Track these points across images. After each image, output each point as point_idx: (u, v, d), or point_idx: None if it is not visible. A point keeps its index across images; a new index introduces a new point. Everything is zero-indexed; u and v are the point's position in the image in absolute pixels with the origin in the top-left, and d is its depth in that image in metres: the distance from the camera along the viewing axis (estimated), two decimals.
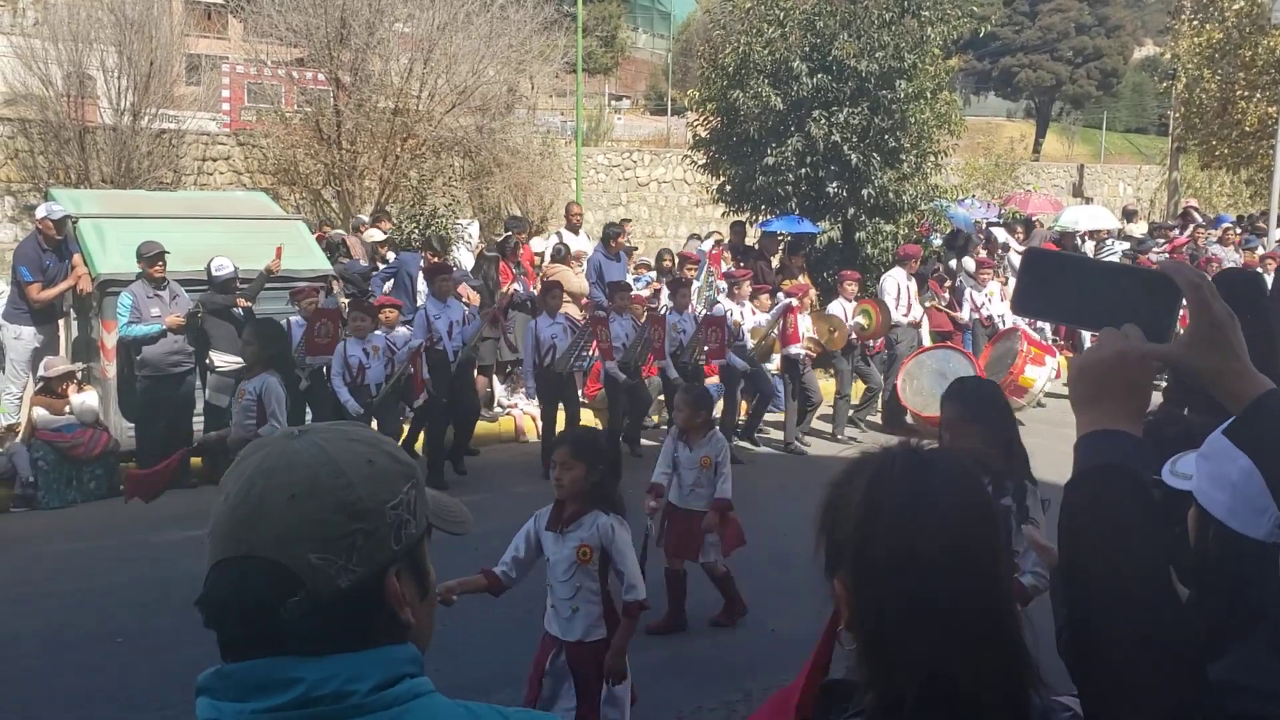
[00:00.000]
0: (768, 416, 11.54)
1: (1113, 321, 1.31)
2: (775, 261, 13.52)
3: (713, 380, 11.44)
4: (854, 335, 11.07)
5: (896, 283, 11.56)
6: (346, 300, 10.61)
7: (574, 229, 13.69)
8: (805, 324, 10.98)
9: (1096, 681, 1.20)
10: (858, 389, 11.53)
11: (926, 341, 11.64)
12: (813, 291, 12.81)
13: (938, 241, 14.99)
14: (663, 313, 10.49)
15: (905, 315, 11.49)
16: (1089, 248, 16.40)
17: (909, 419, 11.36)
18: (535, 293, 11.90)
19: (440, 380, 9.42)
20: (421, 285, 11.51)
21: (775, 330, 10.59)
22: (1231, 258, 16.31)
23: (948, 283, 12.88)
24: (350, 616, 1.16)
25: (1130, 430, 1.27)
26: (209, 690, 1.16)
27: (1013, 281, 13.81)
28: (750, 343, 10.52)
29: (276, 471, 1.17)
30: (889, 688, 1.22)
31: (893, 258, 14.37)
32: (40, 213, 9.80)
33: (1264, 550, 1.34)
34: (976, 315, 12.47)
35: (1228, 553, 1.39)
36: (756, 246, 13.83)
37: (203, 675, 1.17)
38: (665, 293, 11.53)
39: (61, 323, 10.30)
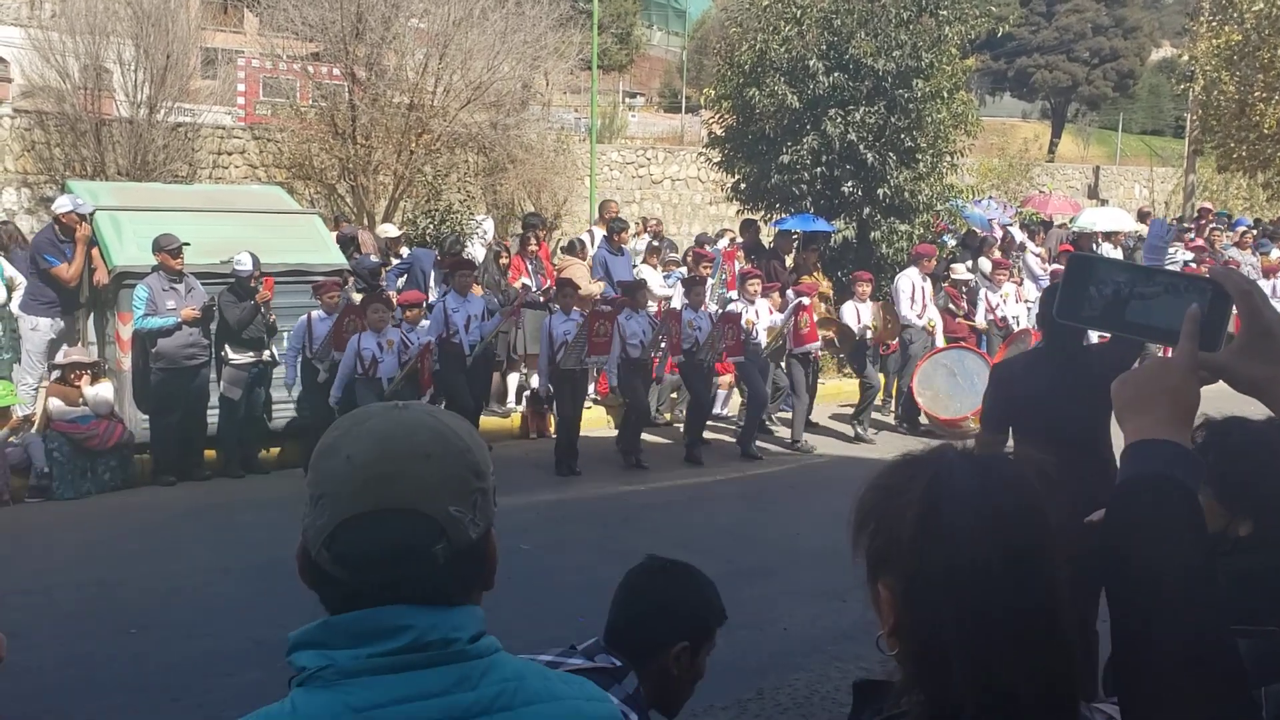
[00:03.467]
0: (782, 414, 11.52)
1: (1159, 326, 1.28)
2: (789, 260, 13.49)
3: (727, 378, 11.43)
4: (867, 336, 11.04)
5: (911, 282, 11.51)
6: (358, 295, 10.61)
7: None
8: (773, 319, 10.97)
9: (1137, 694, 1.18)
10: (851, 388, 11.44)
11: (941, 343, 11.59)
12: (825, 285, 12.77)
13: (952, 242, 14.94)
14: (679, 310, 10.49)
15: (920, 316, 11.44)
16: (1106, 249, 16.33)
17: (923, 420, 11.32)
18: (550, 288, 11.92)
19: (454, 373, 9.43)
20: (434, 280, 11.53)
21: (788, 329, 10.58)
22: (1249, 261, 16.26)
23: (966, 286, 12.80)
24: (468, 569, 1.28)
25: (1176, 439, 1.24)
26: (314, 643, 1.23)
27: (1028, 283, 13.79)
28: (764, 341, 10.51)
29: (401, 436, 1.27)
30: (945, 697, 1.20)
31: (907, 257, 14.32)
32: (64, 206, 9.77)
33: None
34: (991, 317, 12.38)
35: None
36: (770, 245, 13.81)
37: (299, 632, 1.24)
38: (679, 291, 11.52)
39: (78, 314, 10.33)
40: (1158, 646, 1.17)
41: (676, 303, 11.33)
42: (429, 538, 1.23)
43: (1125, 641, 1.20)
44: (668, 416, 11.54)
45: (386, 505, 1.23)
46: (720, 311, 10.46)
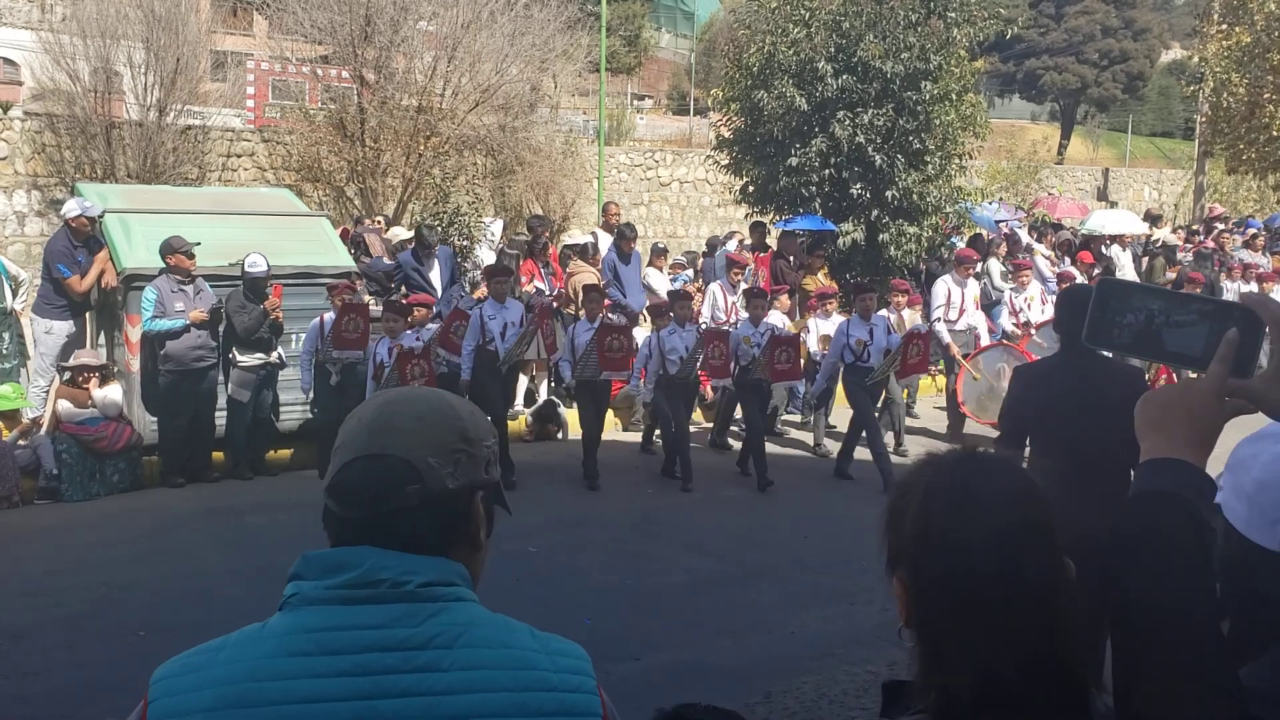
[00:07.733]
0: (786, 417, 11.47)
1: (1192, 354, 1.27)
2: (794, 261, 13.47)
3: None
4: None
5: (946, 288, 11.33)
6: (370, 298, 10.63)
7: (610, 229, 13.64)
8: (828, 328, 10.62)
9: (1137, 709, 1.19)
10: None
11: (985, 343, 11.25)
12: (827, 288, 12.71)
13: (959, 245, 14.90)
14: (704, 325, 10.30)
15: (956, 320, 11.19)
16: (1115, 251, 16.30)
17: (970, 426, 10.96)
18: (561, 292, 11.92)
19: (487, 378, 9.34)
20: (435, 281, 11.53)
21: (898, 358, 9.65)
22: (1260, 263, 16.20)
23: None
24: (446, 519, 1.45)
25: (1192, 460, 1.25)
26: (296, 575, 1.43)
27: (1035, 285, 13.55)
28: (816, 350, 10.41)
29: (400, 403, 1.51)
30: (945, 687, 1.23)
31: (915, 260, 14.28)
32: (73, 210, 9.79)
33: (1277, 561, 1.33)
34: (1014, 320, 11.97)
35: (1249, 564, 1.38)
36: (775, 246, 13.79)
37: (295, 564, 1.44)
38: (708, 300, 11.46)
39: (88, 316, 10.36)
40: (1155, 660, 1.18)
41: (706, 312, 11.22)
42: (405, 477, 1.42)
43: (1125, 653, 1.21)
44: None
45: (375, 451, 1.44)
46: (772, 331, 9.68)
